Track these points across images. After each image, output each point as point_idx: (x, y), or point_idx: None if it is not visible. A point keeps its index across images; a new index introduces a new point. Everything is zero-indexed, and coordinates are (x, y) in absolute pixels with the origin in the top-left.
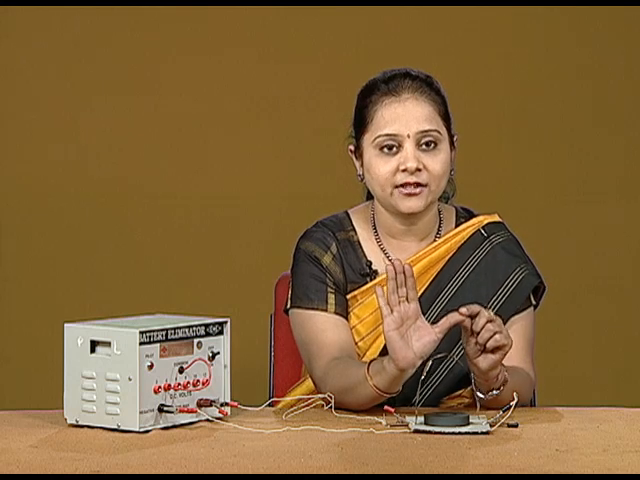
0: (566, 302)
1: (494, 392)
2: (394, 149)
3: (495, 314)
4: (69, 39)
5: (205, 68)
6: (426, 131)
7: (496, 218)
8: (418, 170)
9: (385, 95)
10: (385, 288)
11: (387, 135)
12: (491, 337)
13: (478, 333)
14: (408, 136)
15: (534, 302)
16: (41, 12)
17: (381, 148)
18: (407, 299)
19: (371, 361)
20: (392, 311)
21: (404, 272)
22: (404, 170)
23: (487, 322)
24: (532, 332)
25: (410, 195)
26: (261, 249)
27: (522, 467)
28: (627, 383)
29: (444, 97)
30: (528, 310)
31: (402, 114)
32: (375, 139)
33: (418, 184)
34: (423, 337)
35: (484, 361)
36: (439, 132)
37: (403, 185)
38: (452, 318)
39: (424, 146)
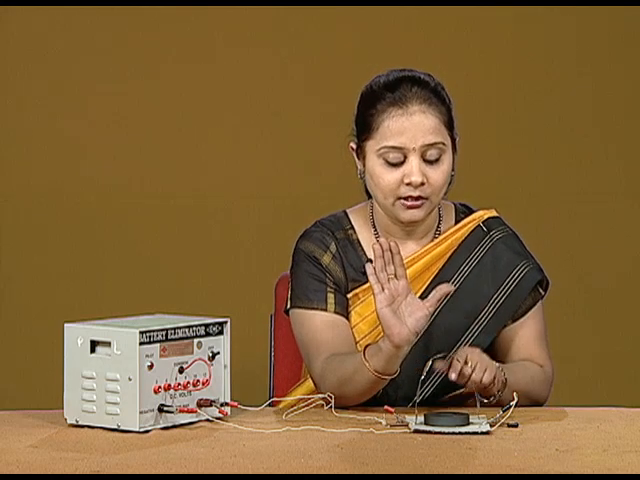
0: (566, 302)
1: (496, 395)
2: (399, 161)
3: (497, 311)
4: (69, 39)
5: (204, 68)
6: (432, 144)
7: (494, 213)
8: (422, 184)
9: (392, 105)
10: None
11: (393, 147)
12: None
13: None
14: (414, 149)
15: (542, 293)
16: (41, 12)
17: (386, 159)
18: (396, 276)
19: (366, 346)
20: (383, 289)
21: (390, 250)
22: (408, 183)
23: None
24: (544, 325)
25: (411, 207)
26: (261, 249)
27: (522, 467)
28: (627, 383)
29: (449, 105)
30: (537, 305)
31: (409, 127)
32: (380, 149)
33: (420, 198)
34: (415, 312)
35: (472, 387)
36: (444, 144)
37: (406, 198)
38: (441, 290)
39: (428, 158)
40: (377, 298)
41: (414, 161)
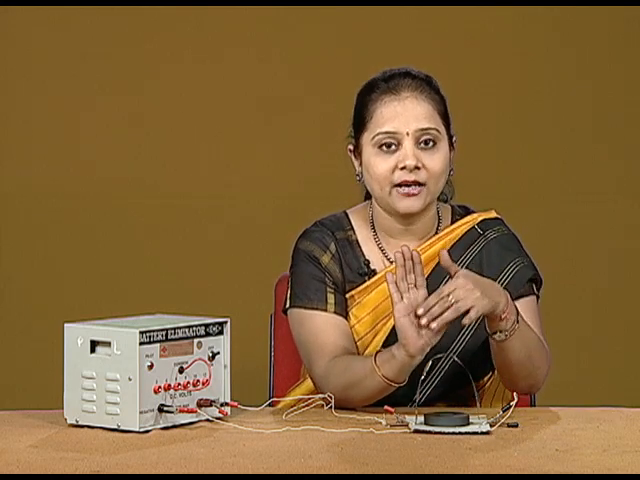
0: (565, 302)
1: (502, 333)
2: (393, 147)
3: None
4: (69, 39)
5: (205, 68)
6: (425, 129)
7: (493, 214)
8: (417, 168)
9: (385, 93)
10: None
11: (386, 133)
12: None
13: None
14: (407, 134)
15: (536, 292)
16: (41, 12)
17: (380, 146)
18: (416, 285)
19: (377, 352)
20: (402, 298)
21: (412, 259)
22: (403, 168)
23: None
24: (538, 316)
25: (408, 195)
26: (261, 249)
27: (522, 467)
28: (627, 383)
29: (444, 97)
30: (530, 297)
31: (401, 112)
32: (374, 137)
33: (417, 183)
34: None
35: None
36: (438, 131)
37: (401, 185)
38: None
39: (423, 144)
40: (396, 307)
41: (408, 145)
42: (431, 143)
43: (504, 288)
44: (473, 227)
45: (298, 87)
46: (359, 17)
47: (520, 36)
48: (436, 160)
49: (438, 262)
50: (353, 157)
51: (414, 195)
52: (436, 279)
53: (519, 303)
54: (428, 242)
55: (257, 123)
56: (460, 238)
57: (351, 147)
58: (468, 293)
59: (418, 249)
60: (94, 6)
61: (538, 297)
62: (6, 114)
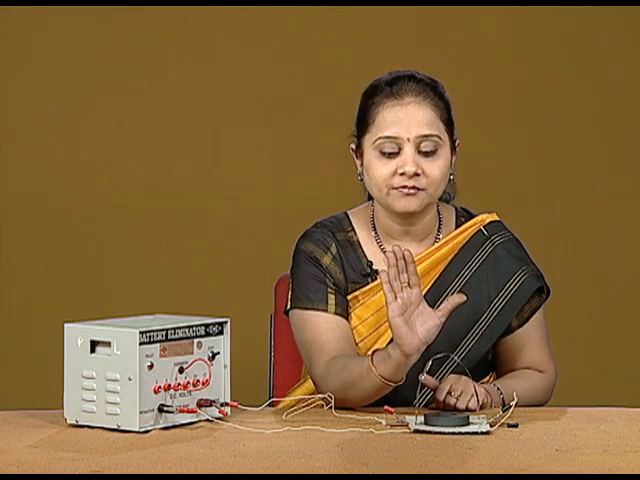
0: (565, 302)
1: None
2: (394, 152)
3: (497, 315)
4: (69, 39)
5: (205, 68)
6: (426, 136)
7: (495, 217)
8: (416, 175)
9: (388, 97)
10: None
11: (387, 137)
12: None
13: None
14: (408, 140)
15: (544, 296)
16: (41, 12)
17: (381, 150)
18: (409, 285)
19: (374, 352)
20: (396, 297)
21: (404, 258)
22: (402, 174)
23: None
24: (546, 327)
25: (407, 195)
26: (261, 249)
27: (522, 467)
28: (627, 383)
29: (448, 102)
30: (538, 313)
31: (403, 117)
32: (375, 141)
33: (415, 188)
34: (427, 322)
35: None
36: (440, 137)
37: (400, 188)
38: (453, 301)
39: (424, 151)
40: (390, 307)
41: (408, 151)
42: (432, 150)
43: (511, 296)
44: (479, 230)
45: (298, 87)
46: (359, 17)
47: (521, 36)
48: (436, 167)
49: (445, 267)
50: (355, 156)
51: (412, 195)
52: (441, 284)
53: (531, 321)
54: (435, 246)
55: (257, 123)
56: (467, 242)
57: (353, 146)
58: (466, 385)
59: (424, 254)
60: (94, 6)
61: (545, 301)
62: (6, 114)
